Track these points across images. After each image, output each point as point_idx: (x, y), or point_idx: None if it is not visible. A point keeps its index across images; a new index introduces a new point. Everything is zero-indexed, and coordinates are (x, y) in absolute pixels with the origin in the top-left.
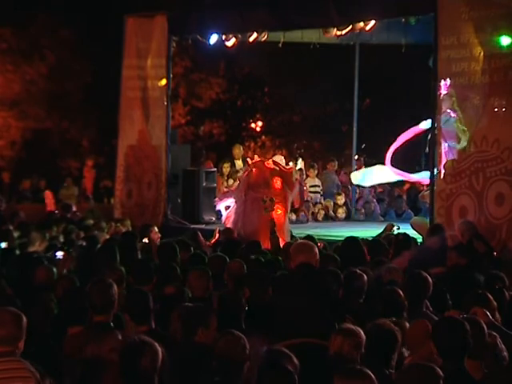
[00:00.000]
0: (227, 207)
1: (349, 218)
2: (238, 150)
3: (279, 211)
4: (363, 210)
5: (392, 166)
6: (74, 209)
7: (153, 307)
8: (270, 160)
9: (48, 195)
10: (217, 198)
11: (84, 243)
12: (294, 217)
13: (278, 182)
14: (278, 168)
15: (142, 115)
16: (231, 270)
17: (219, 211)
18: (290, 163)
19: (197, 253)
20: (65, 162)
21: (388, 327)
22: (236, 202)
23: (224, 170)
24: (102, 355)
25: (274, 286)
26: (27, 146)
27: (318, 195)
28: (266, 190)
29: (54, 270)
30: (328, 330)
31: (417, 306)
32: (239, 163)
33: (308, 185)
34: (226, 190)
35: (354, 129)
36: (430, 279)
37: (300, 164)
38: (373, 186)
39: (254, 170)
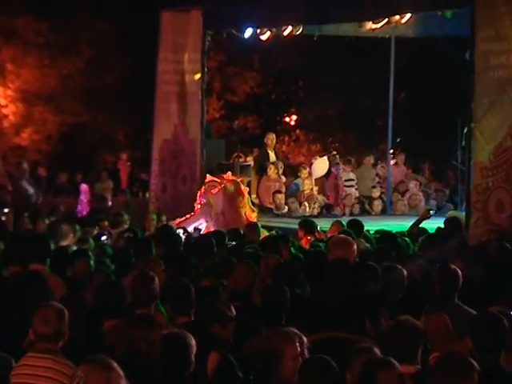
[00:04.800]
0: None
1: (384, 211)
2: (271, 136)
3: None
4: (406, 202)
5: (429, 160)
6: (110, 202)
7: (193, 299)
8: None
9: (84, 189)
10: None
11: (131, 235)
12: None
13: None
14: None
15: (178, 109)
16: (270, 265)
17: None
18: (325, 157)
19: (237, 245)
20: (100, 155)
21: (411, 323)
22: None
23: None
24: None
25: (312, 280)
26: (63, 140)
27: (353, 189)
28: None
29: (92, 263)
30: (360, 324)
31: (448, 299)
32: (272, 155)
33: (343, 179)
34: (176, 221)
35: (389, 123)
36: (459, 272)
37: (335, 158)
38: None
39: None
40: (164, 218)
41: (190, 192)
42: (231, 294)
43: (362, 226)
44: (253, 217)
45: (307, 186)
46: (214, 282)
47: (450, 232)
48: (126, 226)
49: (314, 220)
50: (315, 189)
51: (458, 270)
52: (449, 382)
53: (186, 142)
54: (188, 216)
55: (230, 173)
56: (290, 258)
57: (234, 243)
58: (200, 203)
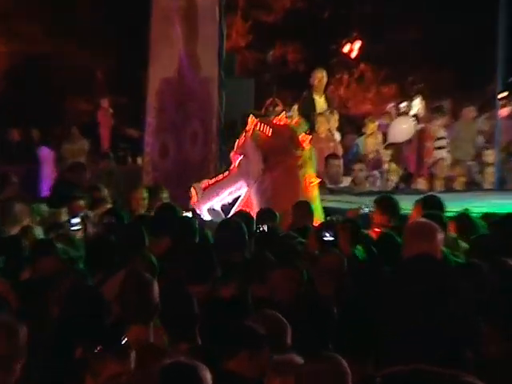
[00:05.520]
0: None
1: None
2: (320, 75)
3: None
4: None
5: None
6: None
7: (199, 316)
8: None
9: (45, 153)
10: (195, 200)
11: (112, 219)
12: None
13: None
14: None
15: (185, 35)
16: (327, 264)
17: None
18: (403, 104)
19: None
20: (70, 102)
21: None
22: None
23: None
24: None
25: (379, 288)
26: (16, 79)
27: (444, 152)
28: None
29: (62, 260)
30: (454, 352)
31: None
32: (321, 102)
33: (434, 137)
34: (203, 185)
35: (499, 55)
36: None
37: (418, 106)
38: None
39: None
40: (165, 195)
41: (203, 156)
42: (264, 305)
43: (442, 206)
44: (314, 182)
45: (371, 146)
46: (239, 289)
47: None
48: (108, 206)
49: None
50: (386, 153)
51: None
52: None
53: (197, 81)
54: (220, 177)
55: (283, 114)
56: (353, 256)
57: (265, 228)
58: (237, 155)
